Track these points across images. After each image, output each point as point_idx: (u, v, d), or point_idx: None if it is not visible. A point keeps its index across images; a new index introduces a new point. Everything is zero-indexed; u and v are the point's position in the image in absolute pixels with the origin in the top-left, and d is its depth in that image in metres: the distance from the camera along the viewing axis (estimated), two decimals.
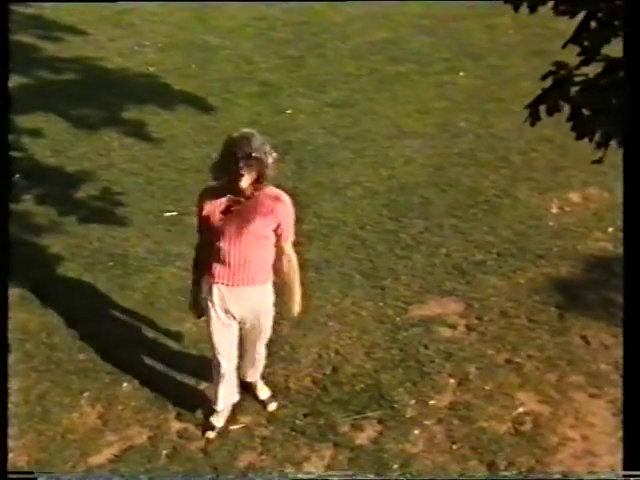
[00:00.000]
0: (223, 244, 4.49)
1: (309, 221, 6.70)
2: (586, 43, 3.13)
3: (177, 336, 5.59)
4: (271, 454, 4.82)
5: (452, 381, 5.31)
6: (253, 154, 4.26)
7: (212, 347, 4.79)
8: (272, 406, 5.14)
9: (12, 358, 5.16)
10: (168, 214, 6.92)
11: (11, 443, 4.56)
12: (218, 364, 4.79)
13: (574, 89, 3.26)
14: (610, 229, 6.62)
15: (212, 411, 4.96)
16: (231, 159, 4.29)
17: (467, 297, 6.02)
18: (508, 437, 4.93)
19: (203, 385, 5.21)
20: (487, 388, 5.26)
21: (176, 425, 5.01)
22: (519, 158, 7.70)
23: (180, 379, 5.29)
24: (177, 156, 7.80)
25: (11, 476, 4.21)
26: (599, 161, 3.35)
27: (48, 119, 8.36)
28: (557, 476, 4.71)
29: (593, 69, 3.28)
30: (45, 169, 7.56)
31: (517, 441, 4.90)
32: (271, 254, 4.62)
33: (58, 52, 9.95)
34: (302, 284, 4.86)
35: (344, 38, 10.48)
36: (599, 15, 3.06)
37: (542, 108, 3.34)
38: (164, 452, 4.83)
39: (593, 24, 3.10)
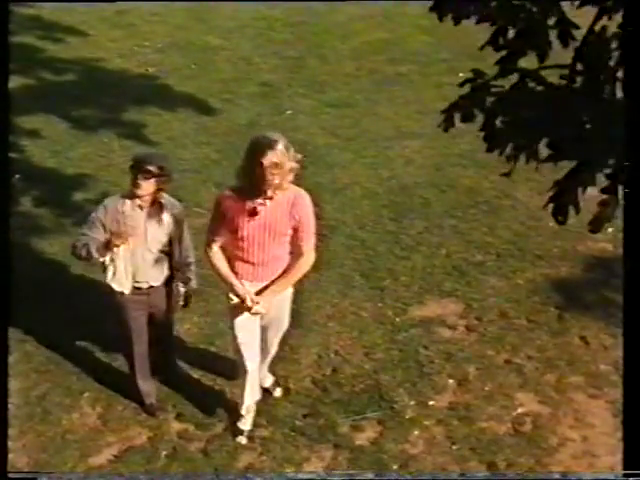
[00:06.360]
0: (247, 244, 4.51)
1: None
2: (503, 52, 3.05)
3: (177, 336, 5.59)
4: (271, 455, 4.82)
5: (452, 382, 5.32)
6: (279, 162, 4.25)
7: (237, 348, 4.75)
8: (277, 392, 5.19)
9: (12, 358, 5.16)
10: None
11: (11, 444, 4.58)
12: (244, 365, 4.76)
13: (490, 99, 3.20)
14: (610, 229, 6.60)
15: (239, 415, 4.94)
16: (256, 166, 4.27)
17: (467, 298, 6.02)
18: (508, 438, 4.93)
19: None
20: (487, 389, 5.27)
21: (176, 426, 5.02)
22: None
23: (180, 379, 5.30)
24: (177, 157, 7.78)
25: (11, 476, 4.22)
26: (508, 174, 3.29)
27: (48, 120, 8.36)
28: (557, 476, 4.71)
29: (511, 80, 3.18)
30: (45, 170, 7.56)
31: (517, 441, 4.91)
32: (289, 248, 4.64)
33: (58, 53, 9.95)
34: (298, 287, 4.84)
35: (344, 38, 10.49)
36: (519, 26, 2.97)
37: (457, 115, 3.29)
38: (164, 453, 4.84)
39: (512, 33, 3.01)
